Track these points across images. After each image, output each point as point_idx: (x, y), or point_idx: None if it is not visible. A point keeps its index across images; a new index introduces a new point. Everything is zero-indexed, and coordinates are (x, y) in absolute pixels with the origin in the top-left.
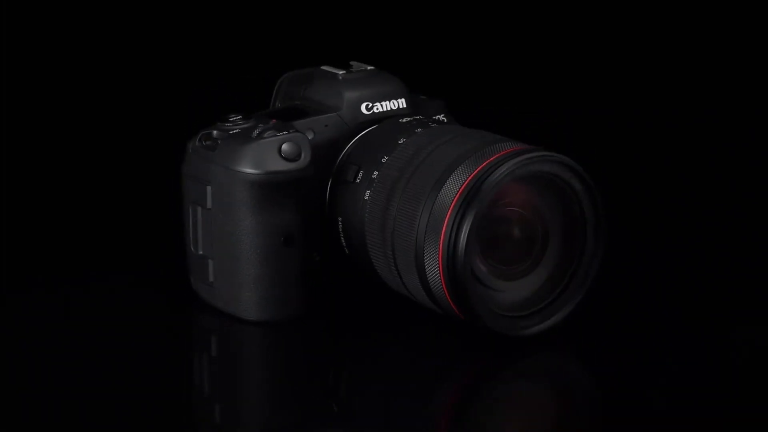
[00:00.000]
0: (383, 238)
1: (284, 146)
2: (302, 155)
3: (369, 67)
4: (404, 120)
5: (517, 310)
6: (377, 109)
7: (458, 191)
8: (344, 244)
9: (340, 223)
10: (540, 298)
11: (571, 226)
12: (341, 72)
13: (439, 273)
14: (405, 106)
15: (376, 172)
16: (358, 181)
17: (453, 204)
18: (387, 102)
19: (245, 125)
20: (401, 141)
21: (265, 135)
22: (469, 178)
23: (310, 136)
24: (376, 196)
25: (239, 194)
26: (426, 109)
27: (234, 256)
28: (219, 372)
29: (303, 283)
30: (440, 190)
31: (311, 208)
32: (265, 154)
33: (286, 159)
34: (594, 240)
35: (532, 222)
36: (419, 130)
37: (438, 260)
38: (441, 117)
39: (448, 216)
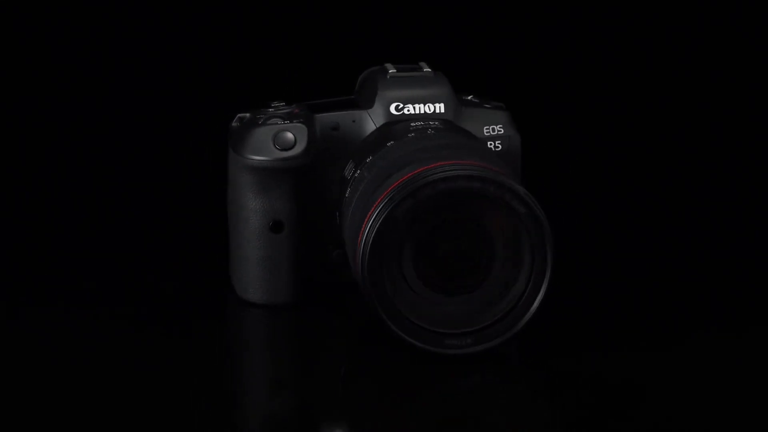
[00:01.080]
0: (345, 236)
1: (278, 135)
2: (296, 145)
3: (427, 69)
4: (415, 124)
5: (447, 327)
6: (408, 110)
7: (380, 196)
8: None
9: (337, 217)
10: (475, 320)
11: (517, 253)
12: (393, 70)
13: (359, 274)
14: (443, 111)
15: (358, 171)
16: (348, 177)
17: (374, 206)
18: (420, 105)
19: (270, 112)
20: (389, 144)
21: (269, 123)
22: (395, 184)
23: (338, 129)
24: (349, 194)
25: (237, 177)
26: (473, 118)
27: (231, 237)
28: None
29: (293, 271)
30: (373, 192)
31: (310, 199)
32: (260, 142)
33: (279, 148)
34: (536, 275)
35: (477, 240)
36: (412, 134)
37: (356, 260)
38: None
39: (367, 218)
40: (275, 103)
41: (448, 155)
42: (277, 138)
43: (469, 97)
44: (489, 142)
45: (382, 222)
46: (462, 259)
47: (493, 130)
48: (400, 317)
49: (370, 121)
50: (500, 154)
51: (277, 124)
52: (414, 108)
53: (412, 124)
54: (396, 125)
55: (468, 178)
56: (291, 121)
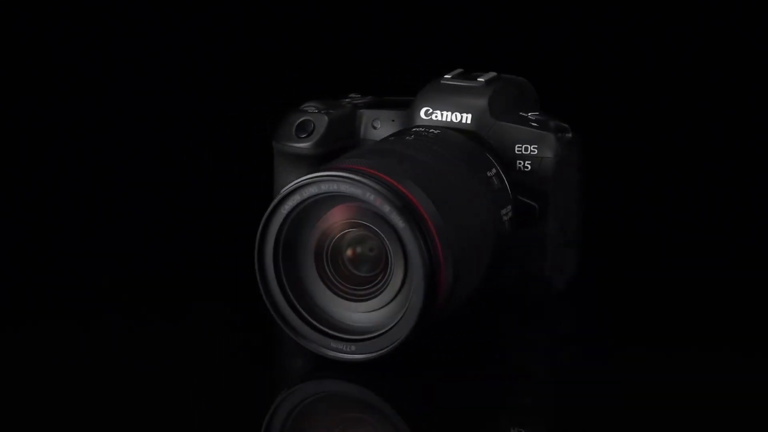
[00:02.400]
0: None
1: (298, 122)
2: (312, 135)
3: (481, 79)
4: (418, 129)
5: (336, 330)
6: (435, 116)
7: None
8: None
9: None
10: (362, 329)
11: (400, 266)
12: (448, 76)
13: None
14: (468, 122)
15: None
16: None
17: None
18: (448, 113)
19: (328, 102)
20: (369, 143)
21: (308, 110)
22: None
23: (377, 126)
24: None
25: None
26: (505, 134)
27: None
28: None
29: None
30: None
31: None
32: (287, 128)
33: (297, 135)
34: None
35: (377, 249)
36: (392, 138)
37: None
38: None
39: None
40: (352, 95)
41: (367, 162)
42: (298, 126)
43: (529, 114)
44: (518, 161)
45: (269, 214)
46: (354, 265)
47: (526, 149)
48: (290, 310)
49: (403, 122)
50: (527, 174)
51: (306, 112)
52: (442, 115)
53: (414, 129)
54: (408, 128)
55: (343, 182)
56: (326, 112)
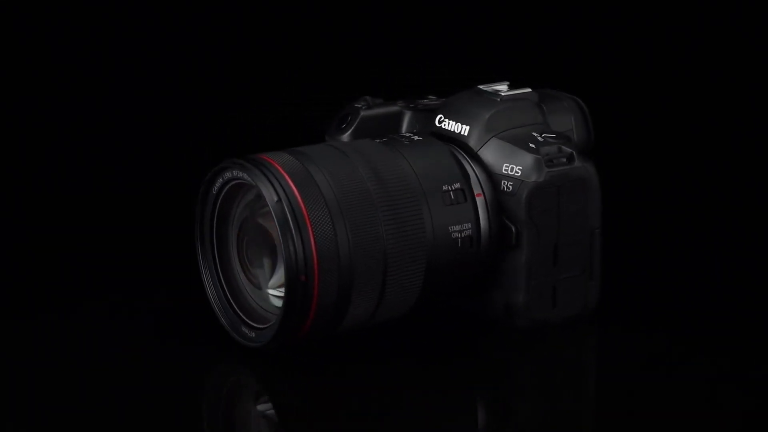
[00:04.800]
0: None
1: (341, 115)
2: (347, 127)
3: (504, 93)
4: (404, 134)
5: (245, 313)
6: (444, 125)
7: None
8: None
9: None
10: (266, 318)
11: None
12: (484, 87)
13: None
14: (465, 133)
15: None
16: None
17: None
18: (453, 122)
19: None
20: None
21: (356, 104)
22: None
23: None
24: None
25: None
26: (497, 152)
27: None
28: None
29: None
30: None
31: None
32: (334, 120)
33: (338, 126)
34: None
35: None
36: (362, 141)
37: None
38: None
39: None
40: (429, 96)
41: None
42: (340, 117)
43: (535, 133)
44: (503, 181)
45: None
46: (257, 255)
47: (511, 169)
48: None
49: (423, 126)
50: (507, 196)
51: (353, 106)
52: (449, 124)
53: (403, 134)
54: (395, 133)
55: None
56: (367, 108)
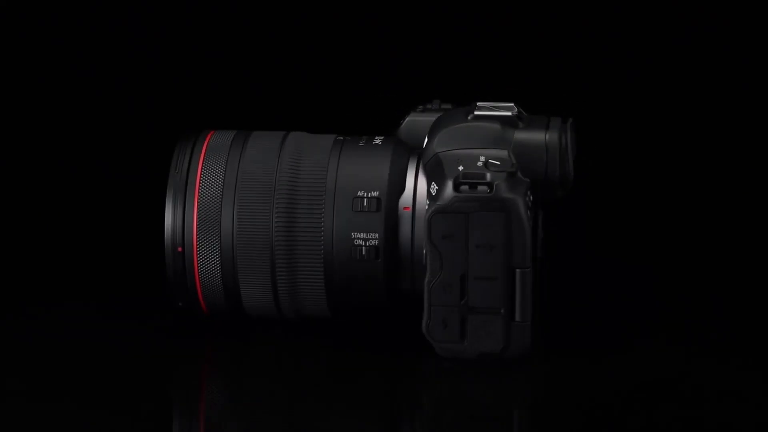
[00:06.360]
0: None
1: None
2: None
3: (478, 113)
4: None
5: None
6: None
7: None
8: None
9: None
10: None
11: None
12: (480, 103)
13: None
14: (424, 145)
15: None
16: None
17: None
18: (428, 135)
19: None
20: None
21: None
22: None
23: None
24: None
25: None
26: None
27: None
28: None
29: None
30: None
31: None
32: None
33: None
34: None
35: None
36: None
37: None
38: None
39: None
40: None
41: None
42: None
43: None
44: (426, 199)
45: None
46: None
47: (433, 188)
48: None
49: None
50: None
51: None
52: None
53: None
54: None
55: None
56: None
